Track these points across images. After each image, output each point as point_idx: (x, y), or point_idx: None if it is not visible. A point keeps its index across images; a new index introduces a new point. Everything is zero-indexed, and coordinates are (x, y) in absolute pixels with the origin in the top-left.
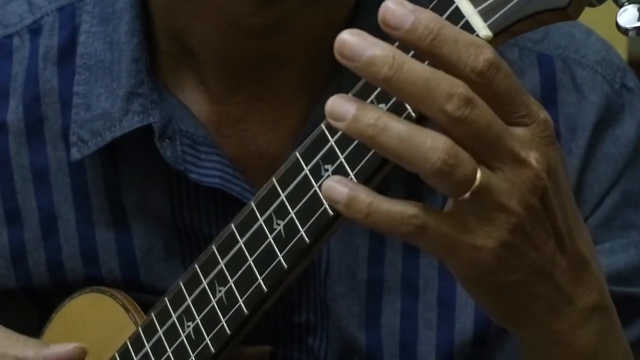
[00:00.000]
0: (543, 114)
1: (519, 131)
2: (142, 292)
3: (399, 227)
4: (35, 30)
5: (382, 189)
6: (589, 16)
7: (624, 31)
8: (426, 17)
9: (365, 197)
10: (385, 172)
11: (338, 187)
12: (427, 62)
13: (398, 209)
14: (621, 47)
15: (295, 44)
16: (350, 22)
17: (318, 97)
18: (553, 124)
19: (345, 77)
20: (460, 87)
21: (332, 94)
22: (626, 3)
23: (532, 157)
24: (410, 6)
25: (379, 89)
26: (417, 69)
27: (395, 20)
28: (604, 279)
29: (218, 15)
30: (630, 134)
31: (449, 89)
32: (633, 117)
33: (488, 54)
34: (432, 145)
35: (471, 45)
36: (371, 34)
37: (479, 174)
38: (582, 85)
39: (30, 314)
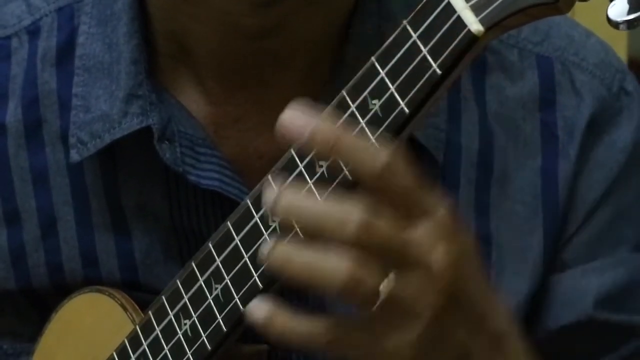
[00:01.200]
0: (443, 205)
1: (420, 232)
2: (141, 292)
3: (313, 344)
4: (33, 31)
5: None
6: (589, 16)
7: (614, 24)
8: (324, 128)
9: (281, 320)
10: None
11: (259, 307)
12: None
13: (307, 330)
14: (621, 47)
15: (294, 45)
16: (349, 22)
17: (317, 97)
18: (455, 213)
19: (343, 78)
20: (353, 213)
21: (331, 94)
22: None
23: (436, 258)
24: (308, 118)
25: (372, 85)
26: (309, 207)
27: (294, 131)
28: (525, 346)
29: (216, 17)
30: (626, 139)
31: (341, 217)
32: (630, 122)
33: (385, 156)
34: (334, 267)
35: (369, 148)
36: (369, 34)
37: (385, 286)
38: (581, 88)
39: (29, 315)
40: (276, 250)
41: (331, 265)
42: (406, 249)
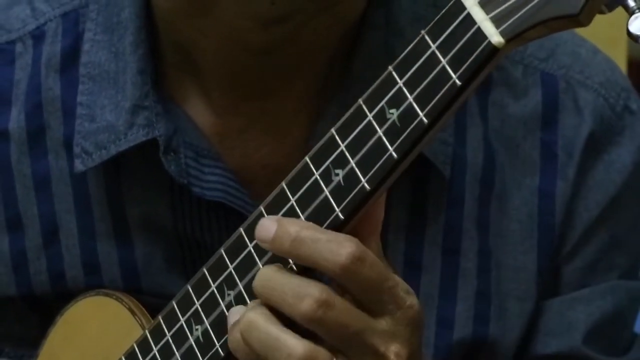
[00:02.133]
0: (410, 300)
1: (382, 324)
2: (146, 296)
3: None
4: (38, 36)
5: (388, 195)
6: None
7: (635, 38)
8: (287, 222)
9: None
10: (397, 176)
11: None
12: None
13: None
14: (621, 48)
15: (300, 58)
16: (356, 34)
17: (323, 108)
18: (419, 308)
19: (349, 88)
20: (312, 288)
21: (337, 104)
22: (637, 10)
23: (392, 351)
24: (275, 217)
25: (389, 95)
26: (274, 276)
27: (264, 233)
28: None
29: (223, 32)
30: (625, 160)
31: (300, 291)
32: (632, 142)
33: (350, 247)
34: (289, 353)
35: (331, 241)
36: (376, 46)
37: None
38: (584, 108)
39: (30, 321)
40: (244, 318)
41: (286, 350)
42: (367, 337)
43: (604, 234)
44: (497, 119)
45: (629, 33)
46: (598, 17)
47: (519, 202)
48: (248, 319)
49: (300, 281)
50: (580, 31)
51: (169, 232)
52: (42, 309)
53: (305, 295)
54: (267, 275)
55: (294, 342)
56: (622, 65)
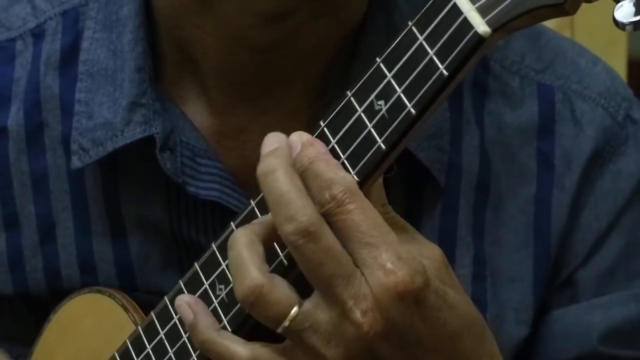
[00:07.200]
0: (402, 271)
1: (361, 282)
2: (140, 293)
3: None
4: (38, 34)
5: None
6: (589, 16)
7: (621, 26)
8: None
9: (204, 330)
10: (385, 168)
11: (185, 308)
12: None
13: (232, 350)
14: (621, 48)
15: (301, 58)
16: (357, 37)
17: (322, 109)
18: (410, 283)
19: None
20: (304, 217)
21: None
22: None
23: (359, 312)
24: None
25: (379, 88)
26: (281, 182)
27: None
28: None
29: (223, 29)
30: (631, 169)
31: (293, 213)
32: (637, 151)
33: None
34: (242, 280)
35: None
36: (377, 49)
37: (292, 315)
38: (582, 118)
39: (26, 320)
40: (234, 234)
41: (240, 276)
42: (337, 287)
43: (617, 242)
44: (493, 128)
45: (615, 21)
46: (597, 18)
47: (515, 210)
48: (232, 237)
49: (299, 199)
50: (579, 31)
51: (165, 231)
52: (38, 307)
53: (294, 218)
54: (274, 176)
55: (253, 271)
56: (622, 66)
